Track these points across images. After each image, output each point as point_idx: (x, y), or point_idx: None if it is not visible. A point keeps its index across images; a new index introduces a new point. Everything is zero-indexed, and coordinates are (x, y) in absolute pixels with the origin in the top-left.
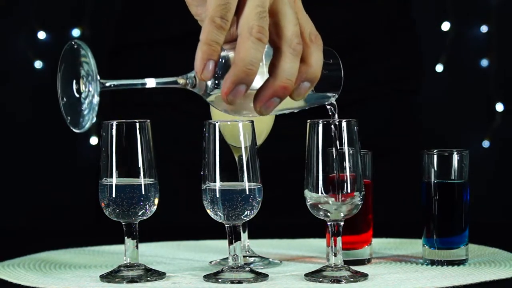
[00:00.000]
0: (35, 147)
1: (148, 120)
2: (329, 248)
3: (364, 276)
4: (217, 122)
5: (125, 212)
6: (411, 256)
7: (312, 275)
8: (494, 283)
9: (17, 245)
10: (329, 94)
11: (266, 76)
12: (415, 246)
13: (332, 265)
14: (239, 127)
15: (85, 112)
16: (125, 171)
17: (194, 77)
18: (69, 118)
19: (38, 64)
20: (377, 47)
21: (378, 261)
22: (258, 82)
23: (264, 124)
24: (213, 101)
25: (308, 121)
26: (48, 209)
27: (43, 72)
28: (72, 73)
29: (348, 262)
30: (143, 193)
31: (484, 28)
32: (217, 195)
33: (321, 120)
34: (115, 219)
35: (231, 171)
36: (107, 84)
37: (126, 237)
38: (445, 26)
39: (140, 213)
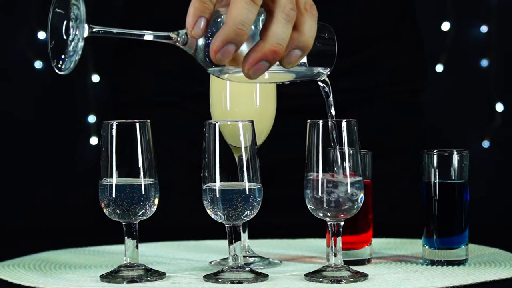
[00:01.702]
0: (35, 147)
1: (148, 120)
2: (329, 248)
3: (364, 276)
4: (217, 122)
5: (125, 212)
6: (411, 256)
7: (312, 275)
8: (494, 283)
9: (17, 245)
10: (321, 70)
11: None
12: (415, 246)
13: (332, 265)
14: (239, 127)
15: (70, 55)
16: (125, 171)
17: (186, 34)
18: (55, 61)
19: (38, 64)
20: (380, 48)
21: (378, 261)
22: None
23: (264, 124)
24: (203, 61)
25: (308, 121)
26: (48, 209)
27: (43, 72)
28: (63, 15)
29: (348, 262)
30: (143, 193)
31: (484, 28)
32: (217, 195)
33: (321, 120)
34: (115, 219)
35: (231, 171)
36: (95, 30)
37: (126, 237)
38: (445, 26)
39: (140, 213)
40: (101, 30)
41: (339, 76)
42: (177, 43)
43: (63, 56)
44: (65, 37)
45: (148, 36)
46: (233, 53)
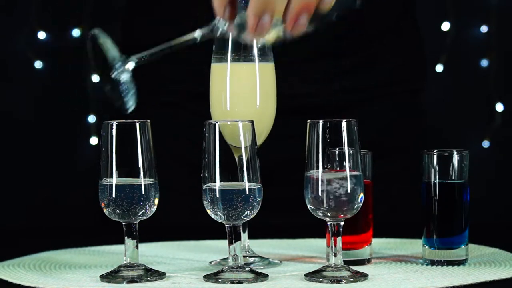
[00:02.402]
0: (35, 147)
1: (148, 120)
2: (329, 248)
3: (364, 276)
4: (217, 122)
5: (125, 212)
6: (411, 256)
7: (312, 275)
8: (494, 283)
9: (17, 245)
10: None
11: None
12: (415, 246)
13: (332, 265)
14: (239, 127)
15: (126, 92)
16: (125, 171)
17: (219, 23)
18: (119, 102)
19: (38, 64)
20: (379, 48)
21: (378, 261)
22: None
23: (264, 124)
24: (247, 39)
25: (308, 121)
26: (48, 209)
27: (43, 72)
28: (103, 62)
29: (348, 262)
30: (143, 193)
31: (484, 28)
32: (217, 195)
33: (321, 120)
34: (115, 219)
35: (231, 171)
36: (137, 59)
37: (126, 237)
38: (445, 26)
39: (140, 213)
40: (143, 57)
41: (340, 76)
42: (218, 35)
43: (122, 96)
44: (115, 80)
45: (191, 40)
46: (269, 23)
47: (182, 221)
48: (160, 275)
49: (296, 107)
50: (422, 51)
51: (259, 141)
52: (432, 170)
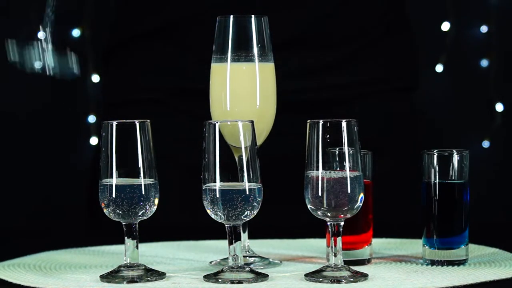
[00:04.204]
0: (34, 147)
1: (148, 120)
2: (329, 248)
3: (364, 276)
4: (217, 122)
5: (125, 212)
6: (411, 256)
7: (312, 275)
8: (494, 283)
9: (17, 245)
10: None
11: None
12: (415, 246)
13: (332, 265)
14: (239, 127)
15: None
16: (125, 171)
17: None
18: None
19: (38, 64)
20: (376, 46)
21: (378, 261)
22: None
23: (264, 124)
24: None
25: (308, 121)
26: (48, 209)
27: (43, 72)
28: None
29: (348, 262)
30: (143, 193)
31: (484, 28)
32: (217, 195)
33: (321, 120)
34: (115, 219)
35: (231, 171)
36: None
37: (126, 237)
38: (445, 26)
39: (140, 213)
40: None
41: (339, 76)
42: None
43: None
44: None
45: None
46: None
47: (182, 221)
48: (160, 275)
49: (297, 106)
50: (414, 48)
51: (259, 141)
52: (432, 170)
